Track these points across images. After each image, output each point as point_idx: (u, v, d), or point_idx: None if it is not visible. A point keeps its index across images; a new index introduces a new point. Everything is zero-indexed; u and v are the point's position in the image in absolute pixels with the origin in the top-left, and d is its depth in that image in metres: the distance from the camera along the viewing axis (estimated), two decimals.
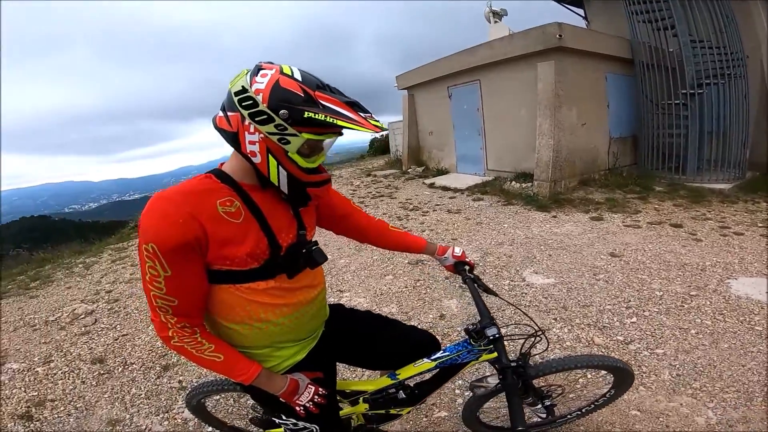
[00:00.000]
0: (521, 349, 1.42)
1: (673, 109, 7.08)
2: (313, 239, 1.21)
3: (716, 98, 6.85)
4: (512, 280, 3.69)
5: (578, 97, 6.83)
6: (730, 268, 3.60)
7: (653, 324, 2.82)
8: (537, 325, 1.50)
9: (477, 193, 7.21)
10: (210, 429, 2.18)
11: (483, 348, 1.36)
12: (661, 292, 3.25)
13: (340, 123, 0.89)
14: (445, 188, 7.88)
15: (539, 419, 1.79)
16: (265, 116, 0.89)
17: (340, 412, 1.51)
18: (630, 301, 3.16)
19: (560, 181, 6.56)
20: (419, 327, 1.63)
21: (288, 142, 0.91)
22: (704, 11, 6.82)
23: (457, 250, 1.57)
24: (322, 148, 1.01)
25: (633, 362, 2.43)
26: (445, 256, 1.55)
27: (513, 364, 1.30)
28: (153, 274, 0.91)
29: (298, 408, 1.17)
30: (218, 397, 2.45)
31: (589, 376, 2.30)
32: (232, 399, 2.44)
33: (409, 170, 10.25)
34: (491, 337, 1.28)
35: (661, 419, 1.99)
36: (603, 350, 2.58)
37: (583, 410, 1.89)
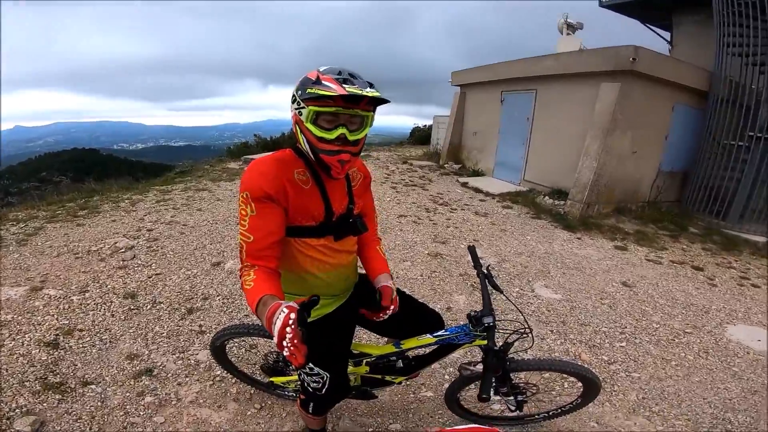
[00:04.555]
0: (506, 339, 1.64)
1: (734, 151, 6.82)
2: (358, 214, 1.49)
3: None
4: (522, 289, 3.93)
5: (636, 124, 6.71)
6: (733, 315, 3.70)
7: (640, 351, 3.03)
8: (527, 323, 1.67)
9: (508, 200, 7.36)
10: (218, 372, 2.40)
11: (478, 334, 1.56)
12: (659, 325, 3.42)
13: (320, 92, 1.11)
14: (478, 190, 8.07)
15: (510, 412, 2.02)
16: (292, 97, 1.23)
17: None
18: (626, 327, 3.35)
19: (594, 205, 6.59)
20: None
21: (301, 113, 1.19)
22: None
23: (387, 283, 1.57)
24: (341, 122, 1.18)
25: (608, 381, 2.66)
26: (379, 282, 1.58)
27: (496, 348, 1.53)
28: (242, 214, 1.21)
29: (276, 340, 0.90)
30: (239, 340, 2.68)
31: (565, 384, 2.54)
32: (243, 349, 2.68)
33: (446, 165, 10.48)
34: (486, 324, 1.50)
35: None
36: (585, 365, 2.81)
37: (550, 413, 2.10)
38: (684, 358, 2.99)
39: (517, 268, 4.42)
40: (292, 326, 0.87)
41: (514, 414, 2.04)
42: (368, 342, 2.74)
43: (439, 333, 1.64)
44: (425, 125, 18.89)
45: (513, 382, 1.80)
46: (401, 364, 1.76)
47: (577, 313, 3.54)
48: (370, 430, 2.15)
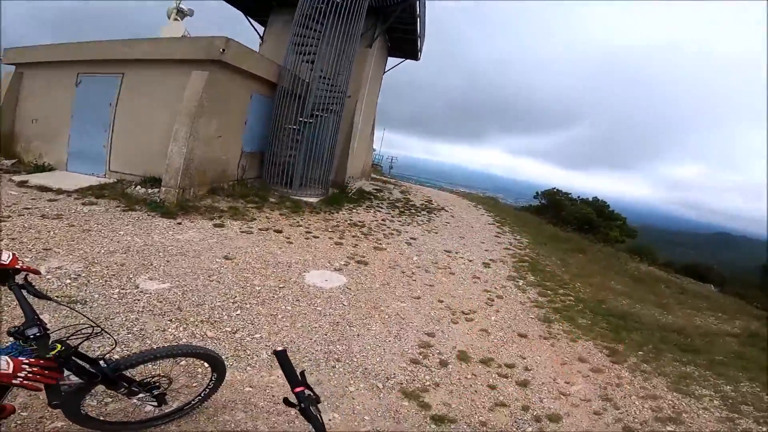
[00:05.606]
0: (65, 340, 1.50)
1: (292, 133, 8.53)
2: None
3: (320, 128, 8.76)
4: (123, 288, 3.50)
5: (221, 110, 7.21)
6: (307, 264, 4.87)
7: (252, 314, 3.43)
8: (94, 322, 1.64)
9: (90, 196, 6.20)
10: None
11: (35, 347, 1.39)
12: (260, 287, 3.98)
13: None
14: (45, 188, 6.30)
15: (154, 410, 1.95)
16: None
17: None
18: (236, 297, 3.68)
19: (189, 188, 6.66)
20: None
21: None
22: (335, 53, 8.44)
23: (4, 257, 1.50)
24: None
25: (240, 348, 2.90)
26: None
27: (48, 356, 1.39)
28: None
29: None
30: None
31: (201, 368, 2.54)
32: None
33: None
34: (31, 336, 1.37)
35: (267, 390, 2.52)
36: (215, 342, 2.91)
37: (203, 395, 2.13)
38: (285, 310, 3.64)
39: (111, 268, 3.86)
40: None
41: (174, 408, 2.04)
42: None
43: None
44: None
45: (138, 380, 1.75)
46: None
47: (190, 296, 3.56)
48: None
